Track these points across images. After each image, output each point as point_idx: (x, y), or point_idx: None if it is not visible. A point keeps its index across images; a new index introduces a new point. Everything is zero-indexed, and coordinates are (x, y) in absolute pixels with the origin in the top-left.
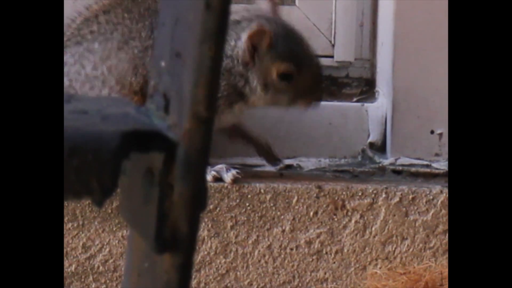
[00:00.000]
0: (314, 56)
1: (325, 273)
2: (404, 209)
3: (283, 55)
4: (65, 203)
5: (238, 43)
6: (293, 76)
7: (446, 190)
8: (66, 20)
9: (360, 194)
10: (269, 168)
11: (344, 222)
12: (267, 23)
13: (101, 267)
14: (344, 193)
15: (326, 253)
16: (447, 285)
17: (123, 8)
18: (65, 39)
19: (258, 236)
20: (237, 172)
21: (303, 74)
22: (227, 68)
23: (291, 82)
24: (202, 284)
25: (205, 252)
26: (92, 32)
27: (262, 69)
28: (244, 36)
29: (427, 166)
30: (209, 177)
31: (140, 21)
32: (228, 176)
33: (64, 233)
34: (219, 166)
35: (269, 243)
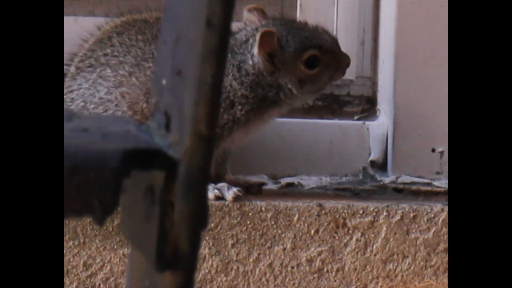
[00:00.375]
0: (321, 29)
1: None
2: (405, 227)
3: (298, 45)
4: (66, 221)
5: (254, 59)
6: (318, 57)
7: (447, 208)
8: (77, 41)
9: (361, 212)
10: (270, 186)
11: (345, 240)
12: (267, 26)
13: (102, 285)
14: (345, 211)
15: (327, 271)
16: None
17: (136, 29)
18: (77, 60)
19: (259, 254)
20: (238, 190)
21: (325, 49)
22: (254, 82)
23: (320, 63)
24: None
25: (206, 270)
26: (105, 55)
27: (288, 69)
28: (255, 50)
29: (428, 184)
30: (211, 195)
31: (153, 42)
32: (229, 194)
33: (65, 251)
34: (221, 184)
35: (270, 261)
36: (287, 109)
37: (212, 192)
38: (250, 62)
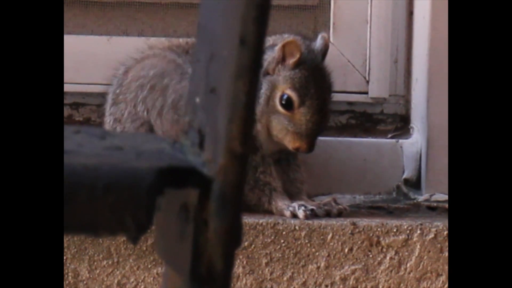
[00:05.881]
0: (327, 106)
1: None
2: (439, 245)
3: (298, 82)
4: (100, 240)
5: (269, 51)
6: (293, 107)
7: None
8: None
9: (395, 230)
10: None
11: (379, 259)
12: (304, 44)
13: None
14: (379, 229)
15: None
16: None
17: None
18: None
19: (293, 273)
20: (310, 209)
21: (303, 112)
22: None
23: (289, 111)
24: None
25: None
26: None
27: (274, 81)
28: (279, 45)
29: None
30: (287, 213)
31: None
32: (300, 213)
33: (99, 270)
34: (295, 203)
35: (304, 279)
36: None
37: (287, 210)
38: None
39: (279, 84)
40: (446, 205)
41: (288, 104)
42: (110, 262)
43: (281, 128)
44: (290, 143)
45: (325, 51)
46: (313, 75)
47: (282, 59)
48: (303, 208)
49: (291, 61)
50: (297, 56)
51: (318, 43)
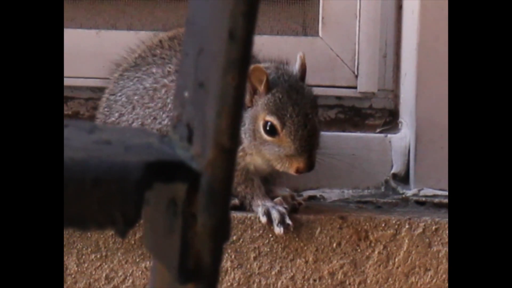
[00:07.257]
0: (311, 119)
1: None
2: (427, 240)
3: (273, 105)
4: (88, 234)
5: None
6: (277, 131)
7: None
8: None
9: (383, 225)
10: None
11: (367, 253)
12: (272, 67)
13: None
14: (367, 224)
15: (349, 284)
16: None
17: None
18: (122, 68)
19: (281, 267)
20: (288, 225)
21: (286, 133)
22: None
23: (276, 137)
24: None
25: (228, 283)
26: (154, 55)
27: (254, 112)
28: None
29: None
30: (263, 220)
31: None
32: (280, 229)
33: (87, 264)
34: (274, 212)
35: (292, 274)
36: (251, 160)
37: (263, 216)
38: None
39: (259, 113)
40: (435, 200)
41: (272, 130)
42: (98, 256)
43: (274, 157)
44: (288, 168)
45: (303, 71)
46: (288, 94)
47: (254, 89)
48: (283, 226)
49: (261, 87)
50: (264, 79)
51: (297, 63)
